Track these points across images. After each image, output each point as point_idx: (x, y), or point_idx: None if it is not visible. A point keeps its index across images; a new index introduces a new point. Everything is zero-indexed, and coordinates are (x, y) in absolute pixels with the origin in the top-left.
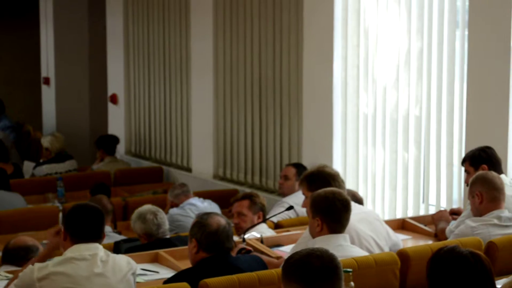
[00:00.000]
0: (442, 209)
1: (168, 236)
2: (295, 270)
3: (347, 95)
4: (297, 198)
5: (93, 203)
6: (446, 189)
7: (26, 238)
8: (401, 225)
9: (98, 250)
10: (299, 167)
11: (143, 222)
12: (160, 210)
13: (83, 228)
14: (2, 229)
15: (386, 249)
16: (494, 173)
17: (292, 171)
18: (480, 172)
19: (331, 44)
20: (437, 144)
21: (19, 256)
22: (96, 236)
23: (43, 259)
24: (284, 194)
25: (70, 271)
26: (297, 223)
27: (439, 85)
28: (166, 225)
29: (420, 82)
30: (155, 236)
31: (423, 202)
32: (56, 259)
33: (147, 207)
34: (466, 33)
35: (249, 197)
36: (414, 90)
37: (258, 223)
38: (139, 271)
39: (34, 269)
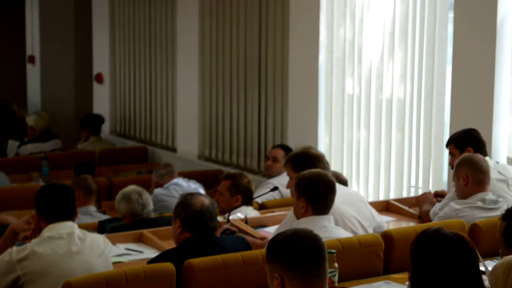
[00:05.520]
0: (426, 191)
1: (152, 216)
2: (280, 250)
3: (333, 77)
4: (282, 179)
5: (62, 182)
6: (431, 171)
7: (8, 217)
8: (385, 207)
9: (74, 228)
10: (287, 148)
11: (128, 202)
12: (145, 190)
13: (55, 207)
14: None
15: (370, 231)
16: (480, 156)
17: (281, 153)
18: (466, 154)
19: (317, 26)
20: (417, 126)
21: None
22: (69, 215)
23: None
24: (272, 176)
25: (49, 250)
26: (281, 204)
27: (424, 68)
28: (151, 206)
29: (404, 64)
30: (140, 216)
31: (407, 184)
32: (35, 240)
33: (131, 187)
34: (451, 15)
35: (232, 177)
36: (399, 73)
37: (240, 205)
38: (123, 251)
39: (12, 252)
